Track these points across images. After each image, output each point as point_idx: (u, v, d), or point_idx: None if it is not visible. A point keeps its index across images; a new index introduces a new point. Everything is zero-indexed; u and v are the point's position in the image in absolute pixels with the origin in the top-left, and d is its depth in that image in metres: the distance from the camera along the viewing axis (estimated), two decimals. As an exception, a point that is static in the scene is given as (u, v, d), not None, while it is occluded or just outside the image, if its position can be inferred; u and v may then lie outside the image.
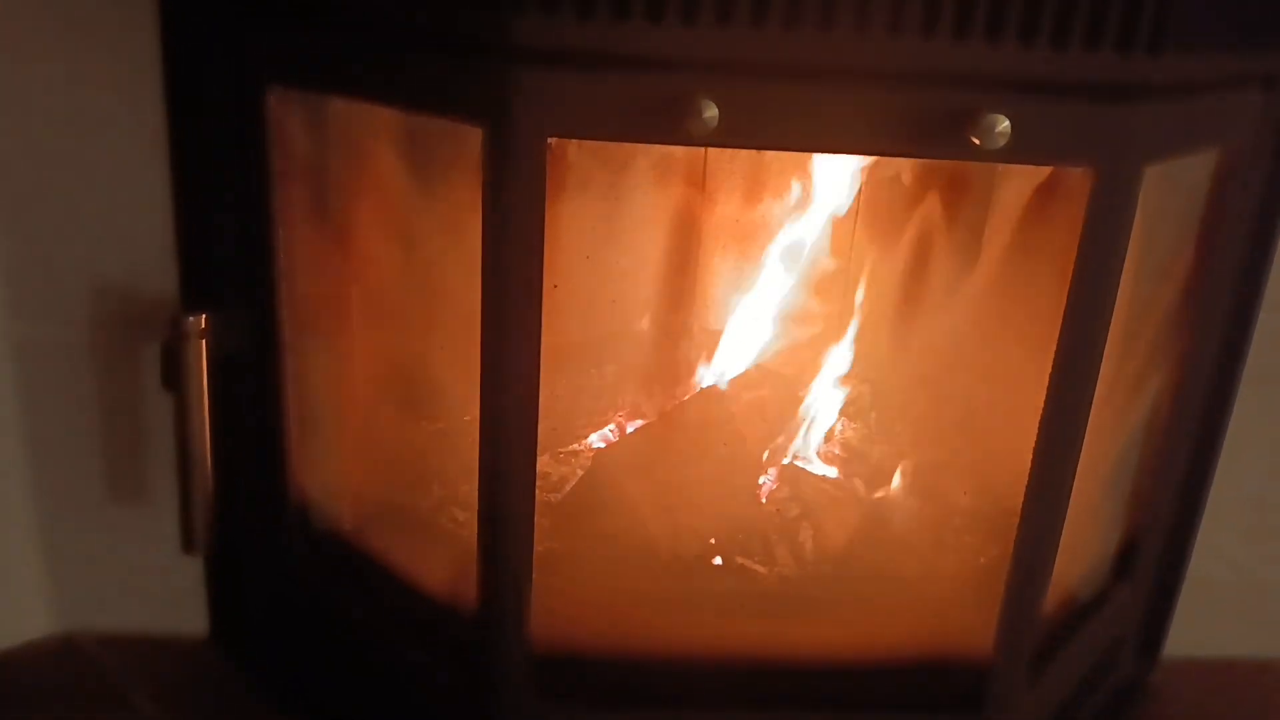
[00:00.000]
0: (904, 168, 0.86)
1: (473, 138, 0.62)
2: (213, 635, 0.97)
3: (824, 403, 0.96)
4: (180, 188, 0.83)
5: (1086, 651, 0.89)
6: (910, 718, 0.77)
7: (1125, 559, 0.92)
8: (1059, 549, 0.73)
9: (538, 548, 0.71)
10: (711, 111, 0.59)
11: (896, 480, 0.92)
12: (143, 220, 0.84)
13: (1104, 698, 0.95)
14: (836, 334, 0.95)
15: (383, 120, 0.78)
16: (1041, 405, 0.68)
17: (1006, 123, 0.59)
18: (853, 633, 0.79)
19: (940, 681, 0.77)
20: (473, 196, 0.63)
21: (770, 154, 0.88)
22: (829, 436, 0.97)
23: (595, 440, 0.99)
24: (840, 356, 0.95)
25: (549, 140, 0.61)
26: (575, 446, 0.98)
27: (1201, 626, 1.00)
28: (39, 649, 0.95)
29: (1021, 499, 0.71)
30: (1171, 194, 0.76)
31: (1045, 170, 0.75)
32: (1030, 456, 0.70)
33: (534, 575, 0.71)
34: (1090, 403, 0.69)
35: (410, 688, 0.81)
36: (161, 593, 0.96)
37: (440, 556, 0.81)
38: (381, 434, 0.89)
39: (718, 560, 0.84)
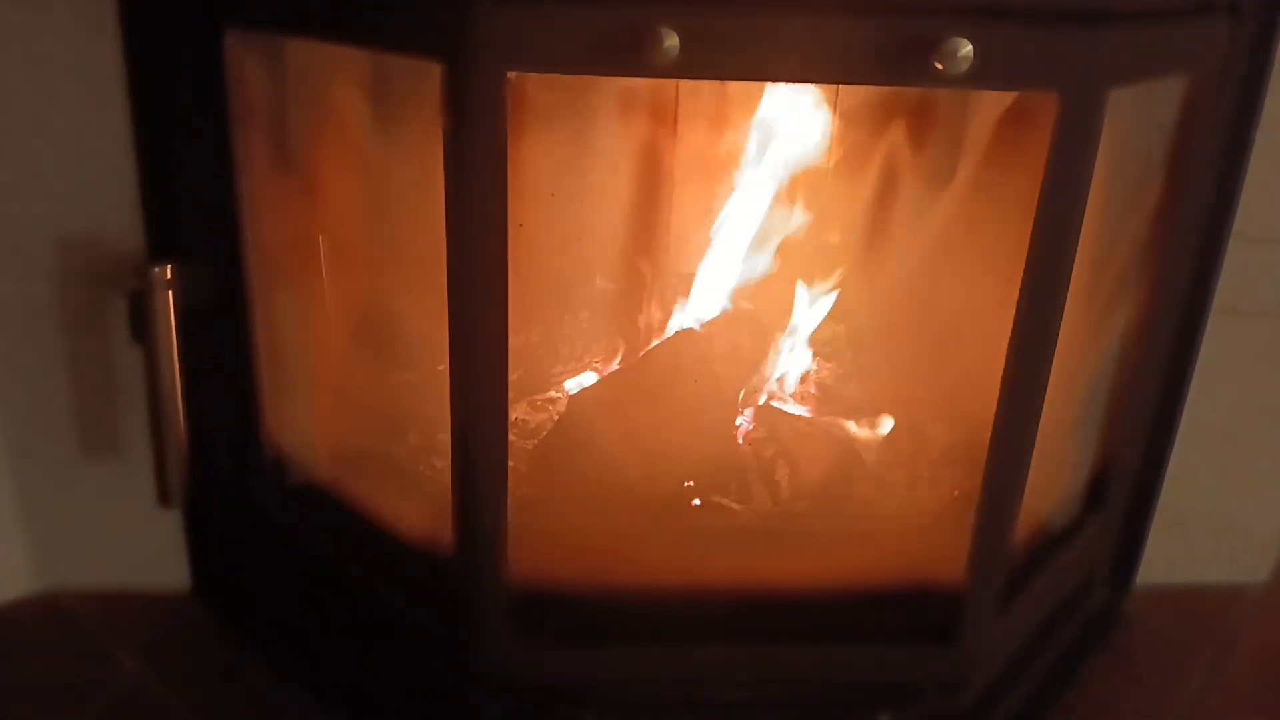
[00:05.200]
0: (870, 98, 0.85)
1: (431, 74, 0.61)
2: (194, 588, 0.97)
3: (798, 342, 0.96)
4: (141, 137, 0.82)
5: (1059, 580, 0.90)
6: (885, 648, 0.78)
7: (1097, 489, 0.93)
8: (1030, 479, 0.74)
9: (515, 493, 0.71)
10: (672, 41, 0.58)
11: (872, 418, 0.92)
12: (104, 171, 0.83)
13: (1077, 625, 0.96)
14: (808, 272, 0.95)
15: (342, 61, 0.77)
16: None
17: (969, 47, 0.59)
18: (827, 566, 0.80)
19: (915, 612, 0.78)
20: (435, 135, 0.63)
21: (737, 87, 0.87)
22: (804, 376, 0.98)
23: (571, 386, 0.99)
24: (813, 295, 0.95)
25: (508, 74, 0.60)
26: (552, 394, 0.98)
27: (1173, 554, 1.01)
28: (20, 607, 0.95)
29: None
30: (1140, 124, 0.76)
31: (1011, 96, 0.75)
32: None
33: (512, 516, 0.71)
34: (1057, 330, 0.69)
35: (390, 630, 0.81)
36: (141, 548, 0.96)
37: (417, 501, 0.82)
38: (355, 382, 0.88)
39: (696, 502, 0.84)
